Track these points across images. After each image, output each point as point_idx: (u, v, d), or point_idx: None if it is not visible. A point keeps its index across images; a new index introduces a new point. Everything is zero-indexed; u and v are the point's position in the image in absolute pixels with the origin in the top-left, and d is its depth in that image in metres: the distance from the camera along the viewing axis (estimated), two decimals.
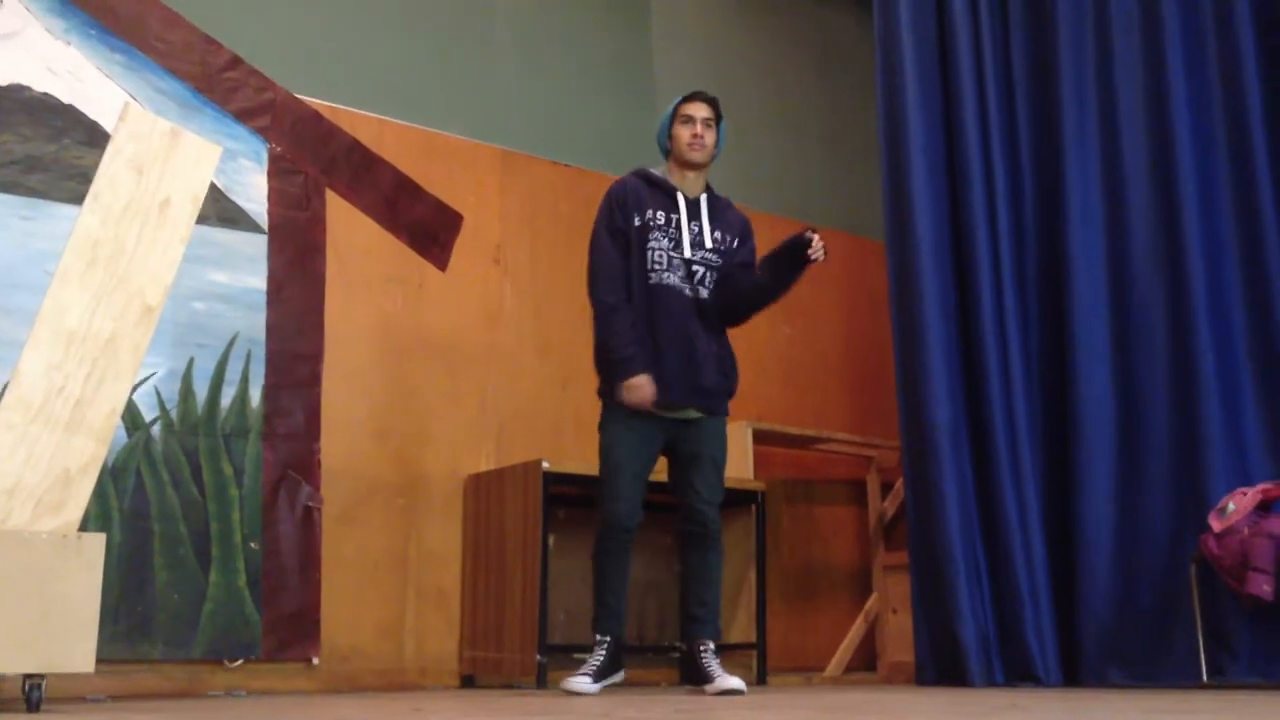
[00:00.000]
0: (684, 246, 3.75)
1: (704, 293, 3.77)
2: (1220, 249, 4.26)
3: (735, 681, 3.58)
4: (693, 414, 3.76)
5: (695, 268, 3.77)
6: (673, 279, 3.72)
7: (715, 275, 3.80)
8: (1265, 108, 4.24)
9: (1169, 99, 4.36)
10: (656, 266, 3.71)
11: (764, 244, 5.97)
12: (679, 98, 3.89)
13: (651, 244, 3.72)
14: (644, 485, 3.73)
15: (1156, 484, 4.22)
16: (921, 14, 4.81)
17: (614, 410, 3.70)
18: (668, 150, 3.89)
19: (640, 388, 3.61)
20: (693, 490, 3.74)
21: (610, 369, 3.66)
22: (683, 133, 3.81)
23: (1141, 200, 4.40)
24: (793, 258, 3.77)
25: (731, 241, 3.86)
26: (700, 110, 3.83)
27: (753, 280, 3.84)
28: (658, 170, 3.87)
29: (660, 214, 3.76)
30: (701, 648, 3.69)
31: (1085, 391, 4.36)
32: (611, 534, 3.66)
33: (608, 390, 3.72)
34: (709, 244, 3.80)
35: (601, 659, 3.63)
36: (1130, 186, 4.43)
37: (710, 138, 3.83)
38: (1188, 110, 4.34)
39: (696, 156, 3.82)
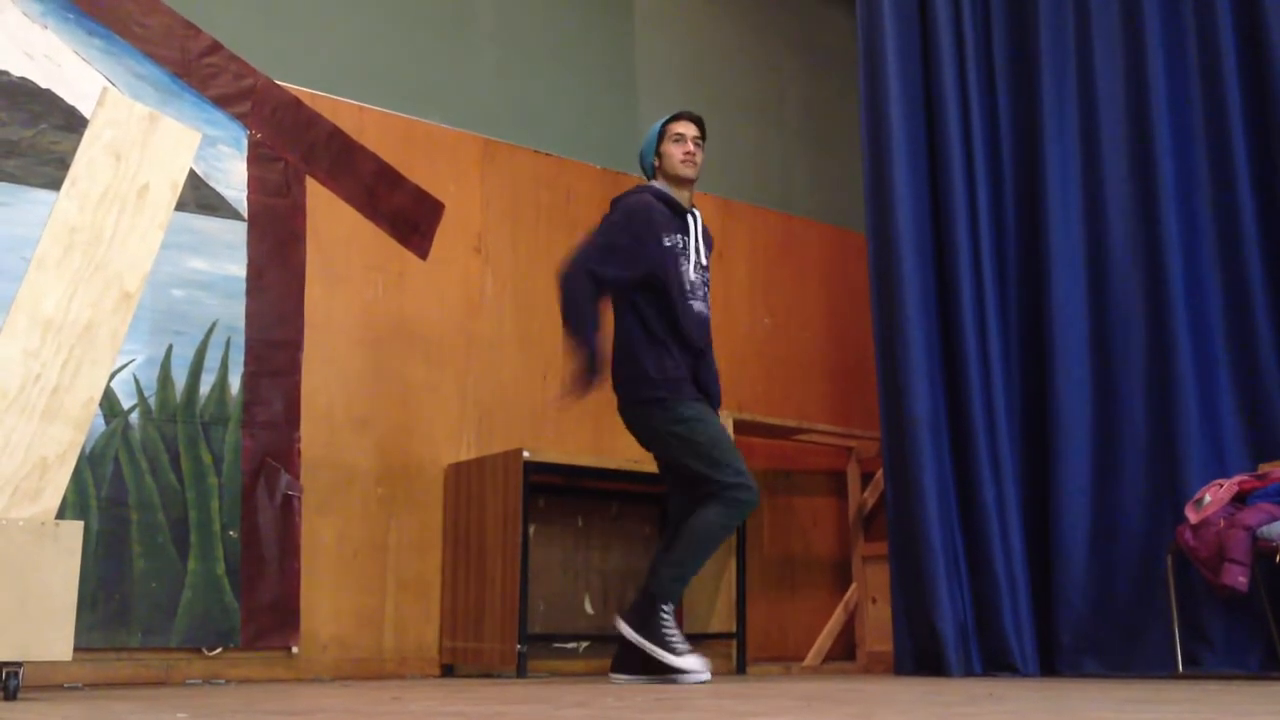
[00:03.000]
0: (694, 270, 3.78)
1: (708, 311, 3.83)
2: (1198, 243, 4.29)
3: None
4: None
5: (703, 290, 3.81)
6: (698, 304, 3.77)
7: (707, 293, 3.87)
8: (1244, 102, 4.25)
9: (1149, 93, 4.39)
10: (688, 293, 3.73)
11: (746, 235, 5.95)
12: (664, 118, 3.89)
13: (683, 269, 3.74)
14: None
15: (1133, 476, 4.26)
16: (904, 6, 4.82)
17: (680, 401, 3.64)
18: (653, 168, 3.89)
19: None
20: None
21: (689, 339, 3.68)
22: (675, 150, 3.82)
23: (1120, 195, 4.43)
24: None
25: (708, 258, 3.91)
26: (690, 129, 3.84)
27: None
28: (662, 187, 3.85)
29: (680, 237, 3.78)
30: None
31: (1063, 385, 4.39)
32: (751, 496, 3.58)
33: (664, 383, 3.66)
34: (704, 263, 3.84)
35: None
36: (1109, 181, 4.45)
37: (700, 155, 3.85)
38: (1167, 105, 4.36)
39: (690, 172, 3.83)
